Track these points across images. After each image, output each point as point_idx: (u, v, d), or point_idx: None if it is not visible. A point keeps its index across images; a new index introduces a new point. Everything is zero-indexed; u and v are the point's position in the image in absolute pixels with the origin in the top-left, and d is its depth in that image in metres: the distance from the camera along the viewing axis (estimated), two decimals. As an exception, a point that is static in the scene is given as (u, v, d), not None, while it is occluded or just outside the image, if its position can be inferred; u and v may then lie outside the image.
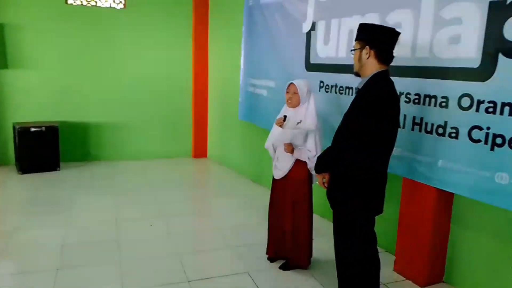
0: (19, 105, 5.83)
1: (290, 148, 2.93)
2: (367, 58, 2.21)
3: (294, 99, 2.94)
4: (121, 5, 6.22)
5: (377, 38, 2.18)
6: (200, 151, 6.90)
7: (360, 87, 2.26)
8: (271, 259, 3.22)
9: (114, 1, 6.18)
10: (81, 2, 6.02)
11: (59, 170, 5.69)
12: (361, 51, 2.23)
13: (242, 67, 5.44)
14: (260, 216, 4.15)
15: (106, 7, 6.15)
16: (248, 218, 4.20)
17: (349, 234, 2.34)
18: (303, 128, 2.91)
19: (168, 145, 6.79)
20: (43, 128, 5.51)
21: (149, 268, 3.08)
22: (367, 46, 2.19)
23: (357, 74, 2.32)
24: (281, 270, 3.10)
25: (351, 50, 2.32)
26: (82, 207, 4.36)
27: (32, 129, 5.44)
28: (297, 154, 2.94)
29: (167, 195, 4.84)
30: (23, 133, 5.40)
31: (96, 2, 6.09)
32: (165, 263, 3.17)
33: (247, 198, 4.82)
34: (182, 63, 6.64)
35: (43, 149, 5.53)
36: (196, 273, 3.03)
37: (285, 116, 2.96)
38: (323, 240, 3.64)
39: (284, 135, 2.92)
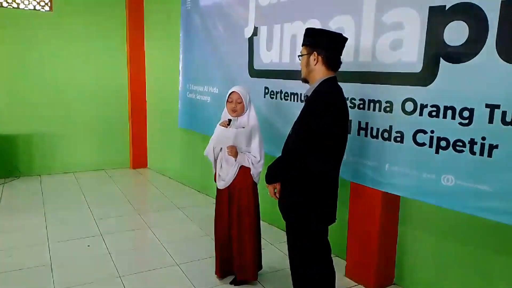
0: None
1: (234, 150, 2.79)
2: (315, 64, 2.16)
3: (239, 108, 2.83)
4: (47, 8, 5.75)
5: (325, 44, 2.14)
6: (139, 161, 6.56)
7: (308, 95, 2.20)
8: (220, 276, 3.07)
9: (38, 4, 5.70)
10: (1, 3, 5.49)
11: (-21, 189, 5.12)
12: (308, 57, 2.18)
13: (181, 73, 5.25)
14: (206, 228, 3.98)
15: (30, 9, 5.65)
16: (193, 231, 4.01)
17: (303, 245, 2.28)
18: (247, 127, 2.80)
19: (103, 156, 6.37)
20: (-42, 143, 4.93)
21: (88, 295, 2.82)
22: (315, 52, 2.14)
23: (305, 81, 2.26)
24: (232, 286, 2.96)
25: (298, 56, 2.26)
26: (8, 229, 3.91)
27: None
28: (241, 159, 2.83)
29: (104, 210, 4.50)
30: None
31: (18, 4, 5.58)
32: (106, 288, 2.91)
33: (192, 209, 4.62)
34: (116, 69, 6.27)
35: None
36: (141, 296, 2.81)
37: (229, 120, 2.84)
38: (272, 248, 3.57)
39: (227, 133, 2.76)
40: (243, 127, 2.83)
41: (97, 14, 6.01)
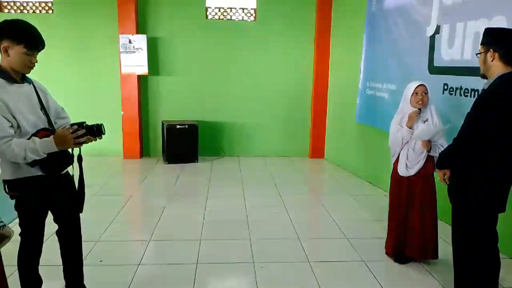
0: (167, 105, 6.93)
1: (429, 146, 3.07)
2: (492, 60, 2.29)
3: (425, 99, 3.08)
4: (252, 18, 6.93)
5: (501, 41, 2.26)
6: (317, 151, 7.24)
7: (485, 88, 2.35)
8: (396, 255, 3.29)
9: (246, 15, 6.91)
10: (219, 17, 6.88)
11: (197, 162, 6.61)
12: (485, 55, 2.33)
13: (361, 71, 5.64)
14: (374, 215, 4.33)
15: (240, 20, 6.92)
16: (362, 215, 4.40)
17: (468, 231, 2.38)
18: (439, 127, 3.04)
19: (287, 144, 7.30)
20: (186, 126, 6.46)
21: (275, 247, 3.54)
22: (491, 49, 2.29)
23: (484, 77, 2.41)
24: (396, 263, 3.25)
25: (476, 54, 2.43)
26: (216, 193, 5.06)
27: (178, 126, 6.42)
28: (433, 152, 3.09)
29: (287, 189, 5.30)
30: (170, 130, 6.40)
31: (231, 16, 6.90)
32: (288, 245, 3.59)
33: (363, 197, 5.00)
34: (304, 68, 7.09)
35: (185, 143, 6.47)
36: (315, 255, 3.38)
37: (419, 109, 3.08)
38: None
39: (429, 131, 3.01)
40: (427, 119, 3.09)
41: (290, 21, 6.93)
